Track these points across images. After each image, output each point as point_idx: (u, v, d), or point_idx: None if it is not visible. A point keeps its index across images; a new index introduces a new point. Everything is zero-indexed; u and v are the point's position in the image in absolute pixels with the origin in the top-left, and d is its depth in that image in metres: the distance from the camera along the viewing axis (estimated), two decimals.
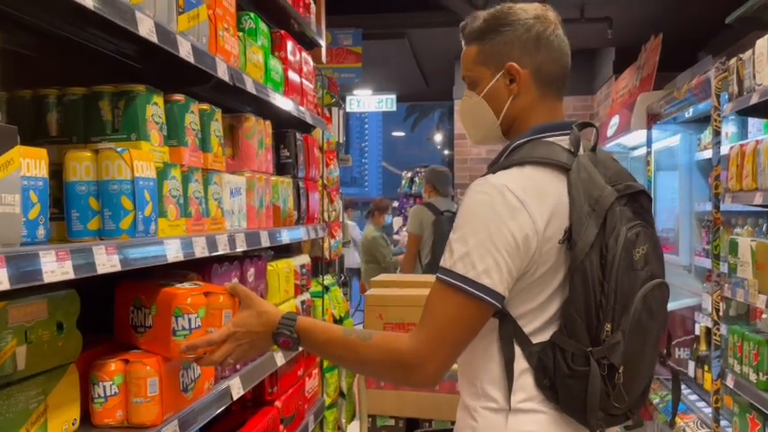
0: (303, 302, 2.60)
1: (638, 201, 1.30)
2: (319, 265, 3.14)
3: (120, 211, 1.34)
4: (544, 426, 1.26)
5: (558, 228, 1.24)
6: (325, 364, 3.06)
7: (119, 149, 1.34)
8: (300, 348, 1.36)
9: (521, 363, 1.27)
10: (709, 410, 3.16)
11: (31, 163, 1.20)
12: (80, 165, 1.33)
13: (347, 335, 1.31)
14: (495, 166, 1.32)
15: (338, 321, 3.27)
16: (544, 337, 1.26)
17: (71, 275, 1.10)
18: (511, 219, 1.21)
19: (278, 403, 2.33)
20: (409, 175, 9.25)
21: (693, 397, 3.55)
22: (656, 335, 1.29)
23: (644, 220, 1.29)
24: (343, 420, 3.32)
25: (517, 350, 1.27)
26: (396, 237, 8.84)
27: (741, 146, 2.86)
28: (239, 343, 1.34)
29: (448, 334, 1.22)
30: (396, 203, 9.73)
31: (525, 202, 1.22)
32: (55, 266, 1.05)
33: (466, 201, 1.27)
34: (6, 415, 1.20)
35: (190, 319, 1.42)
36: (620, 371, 1.20)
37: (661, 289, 1.28)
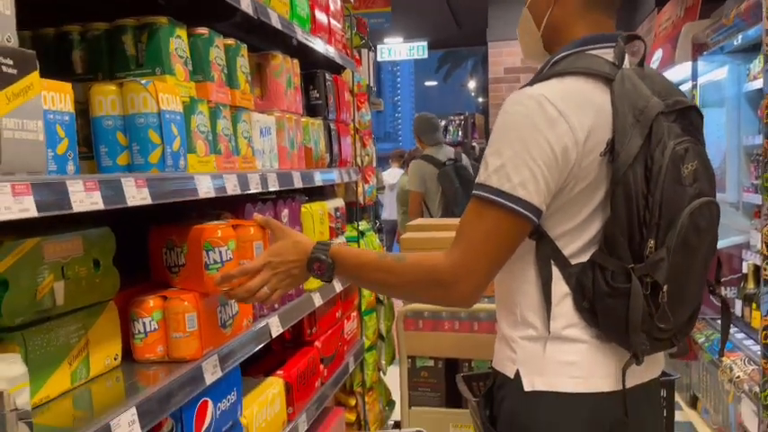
0: None
1: (688, 117, 1.23)
2: (354, 211, 3.12)
3: (147, 144, 1.32)
4: (585, 356, 1.22)
5: (600, 140, 1.17)
6: (364, 306, 3.07)
7: (143, 82, 1.31)
8: (335, 279, 1.35)
9: (560, 286, 1.23)
10: (757, 348, 3.08)
11: (56, 97, 1.18)
12: (105, 99, 1.31)
13: (381, 258, 1.29)
14: (532, 80, 1.25)
15: None
16: (584, 258, 1.21)
17: (100, 206, 1.09)
18: (549, 129, 1.15)
19: (317, 343, 2.35)
20: (443, 123, 9.09)
21: (740, 335, 3.47)
22: (703, 256, 1.23)
23: (694, 137, 1.21)
24: (383, 362, 3.35)
25: (555, 272, 1.23)
26: None
27: None
28: (275, 272, 1.33)
29: (484, 249, 1.18)
30: None
31: (564, 113, 1.16)
32: (83, 196, 1.04)
33: (500, 115, 1.21)
34: (48, 348, 1.22)
35: (221, 252, 1.42)
36: (663, 290, 1.14)
37: (710, 208, 1.21)
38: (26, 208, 0.91)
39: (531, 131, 1.16)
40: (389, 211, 7.60)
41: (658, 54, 4.94)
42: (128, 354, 1.47)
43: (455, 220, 3.34)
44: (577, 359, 1.22)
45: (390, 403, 3.52)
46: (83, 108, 1.36)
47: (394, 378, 3.22)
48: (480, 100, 15.47)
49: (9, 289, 1.14)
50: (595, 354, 1.22)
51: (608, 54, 1.24)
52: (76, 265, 1.31)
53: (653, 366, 1.31)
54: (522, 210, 1.16)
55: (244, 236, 1.47)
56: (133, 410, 1.19)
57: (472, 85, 15.43)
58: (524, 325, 1.26)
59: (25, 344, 1.16)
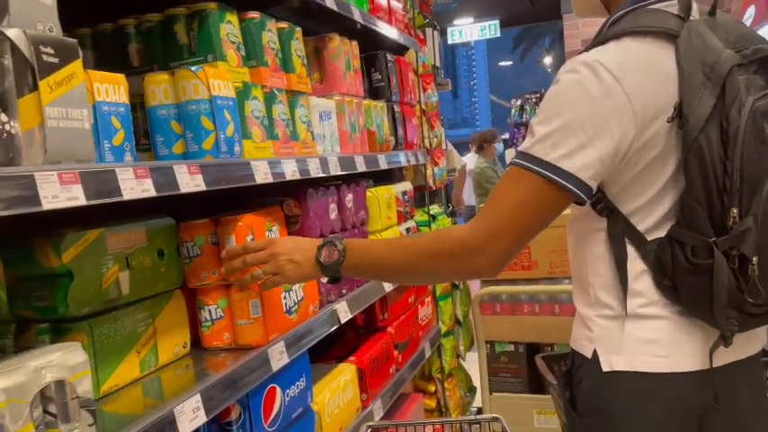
0: (408, 230, 2.54)
1: None
2: (424, 194, 3.05)
3: (200, 131, 1.32)
4: (667, 333, 1.12)
5: (665, 105, 1.06)
6: (438, 291, 3.01)
7: (193, 68, 1.31)
8: (343, 274, 1.26)
9: (636, 264, 1.13)
10: None
11: (110, 88, 1.19)
12: (158, 88, 1.32)
13: (396, 239, 1.23)
14: (590, 44, 1.15)
15: None
16: (660, 233, 1.11)
17: (152, 193, 1.09)
18: (603, 98, 1.05)
19: (390, 329, 2.32)
20: (519, 102, 8.86)
21: None
22: None
23: None
24: (462, 348, 3.28)
25: (630, 250, 1.13)
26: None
27: None
28: (279, 251, 1.28)
29: (512, 216, 1.10)
30: (506, 135, 9.38)
31: (622, 80, 1.05)
32: (134, 184, 1.04)
33: (553, 84, 1.12)
34: (115, 337, 1.24)
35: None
36: (753, 262, 1.02)
37: None
38: (74, 196, 0.91)
39: (583, 100, 1.06)
40: (468, 197, 7.48)
41: (750, 11, 4.54)
42: (196, 342, 1.49)
43: None
44: (659, 336, 1.12)
45: (472, 390, 3.45)
46: (141, 101, 1.37)
47: (473, 364, 3.14)
48: None
49: (74, 279, 1.17)
50: (679, 330, 1.11)
51: (672, 6, 1.12)
52: (141, 254, 1.33)
53: (752, 341, 1.18)
54: (565, 182, 1.06)
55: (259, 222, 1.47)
56: (197, 397, 1.19)
57: (548, 61, 14.91)
58: (599, 304, 1.17)
59: (92, 333, 1.19)
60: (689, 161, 1.04)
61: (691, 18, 1.10)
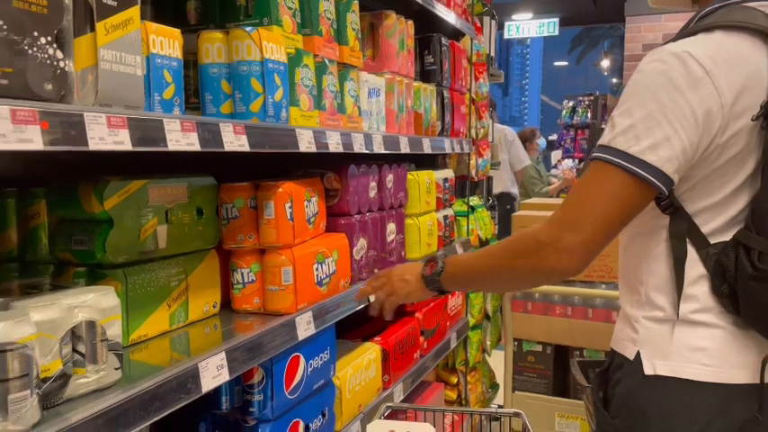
0: (446, 217, 2.51)
1: None
2: (465, 184, 3.01)
3: (250, 93, 1.31)
4: (718, 342, 1.07)
5: (752, 103, 1.01)
6: None
7: (248, 28, 1.30)
8: (443, 286, 1.34)
9: (695, 267, 1.08)
10: None
11: (165, 42, 1.19)
12: (212, 46, 1.32)
13: (485, 247, 1.24)
14: (676, 36, 1.10)
15: (484, 243, 3.15)
16: (725, 237, 1.06)
17: (196, 147, 1.09)
18: (691, 89, 1.01)
19: (418, 315, 2.30)
20: (571, 104, 8.66)
21: None
22: None
23: None
24: (488, 343, 3.24)
25: (691, 251, 1.09)
26: (554, 171, 8.38)
27: None
28: (393, 273, 1.43)
29: (591, 210, 1.05)
30: (554, 136, 9.21)
31: (711, 72, 1.01)
32: (179, 136, 1.05)
33: (635, 73, 1.08)
34: (148, 288, 1.26)
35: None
36: None
37: None
38: (121, 141, 0.92)
39: (669, 91, 1.02)
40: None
41: None
42: (226, 304, 1.50)
43: None
44: (709, 345, 1.08)
45: (494, 386, 3.41)
46: (194, 60, 1.38)
47: (498, 362, 3.11)
48: (614, 81, 14.59)
49: (113, 227, 1.18)
50: (731, 340, 1.07)
51: (765, 6, 1.07)
52: (180, 210, 1.34)
53: None
54: (648, 176, 1.02)
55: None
56: (222, 355, 1.20)
57: (606, 64, 14.54)
58: (650, 306, 1.13)
59: (126, 281, 1.20)
60: None
61: None
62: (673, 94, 1.02)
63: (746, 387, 1.06)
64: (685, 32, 1.09)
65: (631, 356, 1.14)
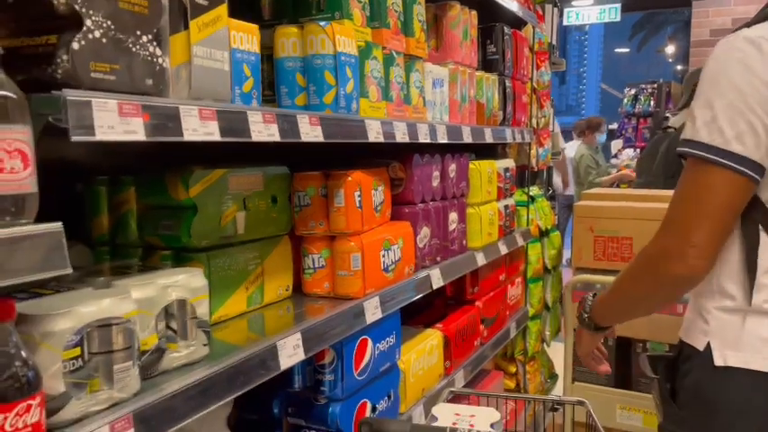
0: (506, 207, 2.52)
1: None
2: (525, 174, 3.01)
3: (323, 86, 1.36)
4: None
5: None
6: (530, 273, 2.97)
7: (322, 23, 1.35)
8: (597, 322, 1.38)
9: None
10: None
11: (244, 37, 1.25)
12: (287, 40, 1.38)
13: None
14: (750, 21, 1.09)
15: (544, 233, 3.14)
16: None
17: (276, 138, 1.15)
18: None
19: (479, 303, 2.33)
20: (632, 92, 8.43)
21: None
22: None
23: None
24: (547, 333, 3.23)
25: (764, 240, 1.07)
26: (614, 161, 8.19)
27: None
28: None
29: (699, 208, 1.06)
30: (614, 125, 8.98)
31: None
32: (261, 127, 1.10)
33: (710, 62, 1.07)
34: (228, 271, 1.33)
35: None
36: None
37: None
38: (211, 132, 0.98)
39: (748, 77, 1.01)
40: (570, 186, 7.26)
41: None
42: (297, 288, 1.56)
43: (636, 191, 3.08)
44: None
45: (553, 376, 3.40)
46: (269, 54, 1.44)
47: (557, 352, 3.09)
48: (678, 68, 14.06)
49: (198, 213, 1.26)
50: None
51: None
52: (257, 198, 1.41)
53: None
54: (739, 167, 1.02)
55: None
56: (298, 335, 1.26)
57: (670, 50, 14.00)
58: (721, 294, 1.13)
59: (209, 264, 1.28)
60: None
61: None
62: (751, 80, 1.01)
63: None
64: (758, 17, 1.08)
65: (701, 347, 1.14)
